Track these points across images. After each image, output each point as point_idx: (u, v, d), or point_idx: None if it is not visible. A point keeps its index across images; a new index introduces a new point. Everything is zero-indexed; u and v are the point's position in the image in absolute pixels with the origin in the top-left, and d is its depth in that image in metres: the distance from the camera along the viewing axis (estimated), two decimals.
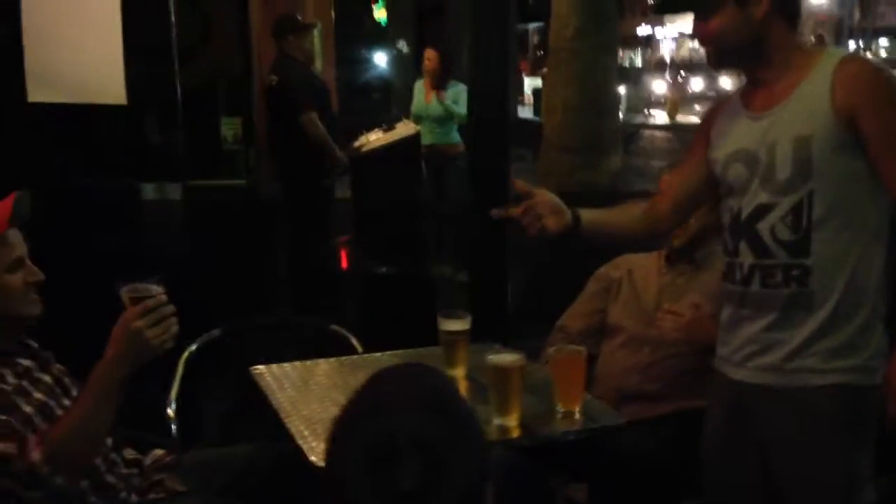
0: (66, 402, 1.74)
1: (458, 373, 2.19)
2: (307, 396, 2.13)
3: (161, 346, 1.61)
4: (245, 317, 2.78)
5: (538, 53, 22.16)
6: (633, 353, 2.40)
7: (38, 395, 1.68)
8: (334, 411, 1.05)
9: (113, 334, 1.60)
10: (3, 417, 1.56)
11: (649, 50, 25.62)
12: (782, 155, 1.73)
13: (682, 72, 21.71)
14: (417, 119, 5.55)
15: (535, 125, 10.00)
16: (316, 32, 5.78)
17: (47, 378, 1.74)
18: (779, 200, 1.74)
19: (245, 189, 4.73)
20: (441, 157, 5.58)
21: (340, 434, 1.02)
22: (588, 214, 1.96)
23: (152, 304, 1.60)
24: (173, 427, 2.28)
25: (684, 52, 23.00)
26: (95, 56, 2.91)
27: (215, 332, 2.56)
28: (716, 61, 1.85)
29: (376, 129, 4.90)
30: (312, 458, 1.79)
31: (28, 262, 1.71)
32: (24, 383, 1.68)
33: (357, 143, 4.82)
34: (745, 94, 1.87)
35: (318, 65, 6.01)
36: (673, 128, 16.13)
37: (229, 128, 5.21)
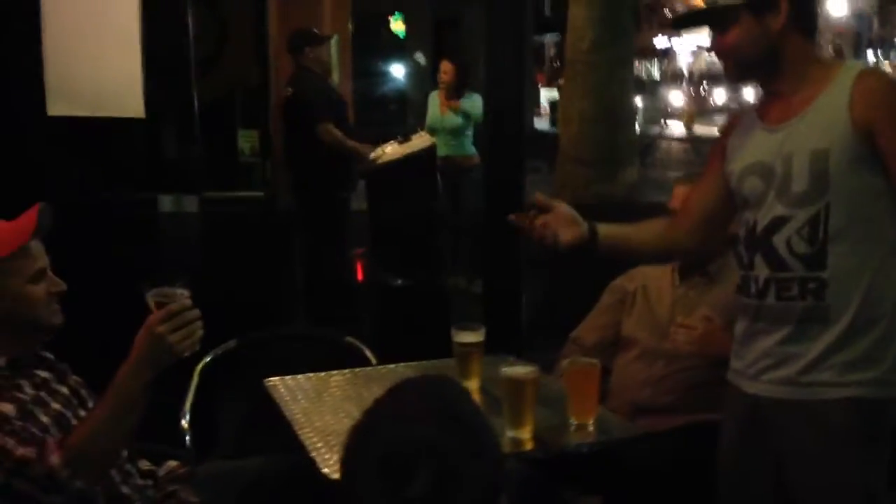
0: (83, 413, 1.75)
1: (472, 385, 2.19)
2: (321, 408, 2.14)
3: (183, 350, 1.60)
4: (260, 328, 2.79)
5: (555, 65, 22.19)
6: (647, 366, 2.39)
7: (55, 406, 1.69)
8: (348, 423, 1.06)
9: (137, 337, 1.59)
10: (22, 423, 1.58)
11: (666, 61, 25.59)
12: (798, 167, 1.72)
13: (705, 83, 21.69)
14: (433, 131, 5.57)
15: (551, 137, 10.01)
16: (333, 45, 5.82)
17: (64, 389, 1.75)
18: (794, 213, 1.73)
19: (262, 201, 4.75)
20: (456, 169, 5.59)
21: (357, 442, 1.03)
22: (605, 229, 1.95)
23: (176, 308, 1.59)
24: (187, 438, 2.29)
25: (702, 64, 22.96)
26: (114, 70, 2.94)
27: (231, 344, 2.57)
28: (734, 74, 1.85)
29: (392, 141, 4.92)
30: (325, 470, 1.79)
31: (50, 272, 1.73)
32: (42, 394, 1.69)
33: (373, 155, 4.84)
34: (762, 107, 1.86)
35: (335, 77, 6.05)
36: (690, 139, 16.10)
37: (246, 140, 5.25)
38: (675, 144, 16.04)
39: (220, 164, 4.86)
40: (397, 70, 13.14)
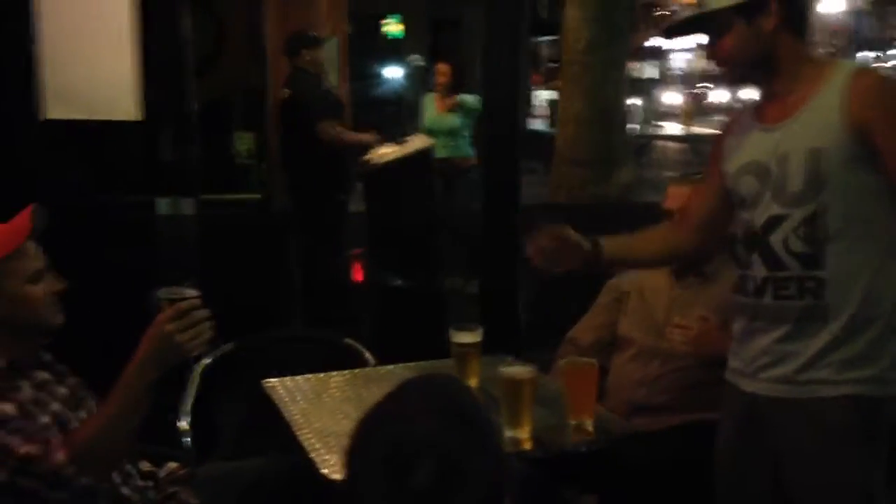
0: (82, 413, 1.76)
1: (470, 385, 2.19)
2: (320, 409, 2.14)
3: (191, 350, 1.60)
4: (258, 330, 2.79)
5: (551, 66, 22.19)
6: (643, 365, 2.39)
7: (55, 407, 1.70)
8: (347, 424, 1.07)
9: (145, 336, 1.60)
10: (24, 422, 1.58)
11: (663, 61, 25.60)
12: (794, 167, 1.73)
13: (707, 84, 21.69)
14: (430, 133, 5.57)
15: (547, 137, 10.01)
16: (331, 46, 5.81)
17: (63, 390, 1.76)
18: (791, 212, 1.73)
19: (258, 203, 4.75)
20: (454, 170, 5.59)
21: (361, 438, 1.04)
22: (609, 244, 1.97)
23: (185, 306, 1.59)
24: (187, 440, 2.29)
25: (699, 64, 22.97)
26: (110, 72, 2.94)
27: (229, 346, 2.57)
28: (729, 77, 1.87)
29: (390, 143, 4.92)
30: (324, 471, 1.79)
31: (48, 272, 1.73)
32: (42, 395, 1.70)
33: (368, 157, 4.84)
34: (758, 107, 1.87)
35: (333, 79, 6.05)
36: (686, 139, 16.10)
37: (243, 142, 5.25)
38: (671, 144, 16.04)
39: (216, 166, 4.86)
40: (395, 72, 13.15)
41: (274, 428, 2.14)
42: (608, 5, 6.82)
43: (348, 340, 2.71)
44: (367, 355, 2.64)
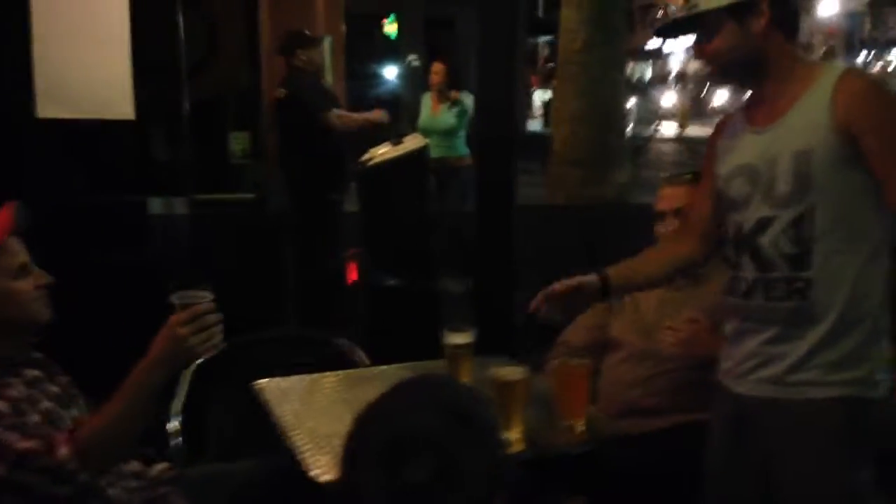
0: (73, 411, 1.76)
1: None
2: (312, 410, 2.14)
3: (202, 353, 1.63)
4: (252, 331, 2.78)
5: (548, 66, 22.23)
6: (634, 367, 2.39)
7: (46, 404, 1.70)
8: (338, 425, 1.08)
9: (157, 336, 1.61)
10: (19, 419, 1.58)
11: (659, 62, 25.65)
12: (782, 169, 1.73)
13: (706, 85, 21.74)
14: (425, 133, 5.57)
15: (543, 138, 10.02)
16: (326, 46, 5.81)
17: (54, 388, 1.76)
18: (779, 214, 1.74)
19: (253, 203, 4.75)
20: (448, 171, 5.59)
21: (359, 431, 1.05)
22: (616, 275, 1.98)
23: (200, 309, 1.61)
24: (178, 441, 2.29)
25: (695, 65, 23.01)
26: (104, 72, 2.93)
27: (222, 346, 2.56)
28: (719, 78, 1.87)
29: (385, 143, 4.92)
30: (315, 473, 1.79)
31: (33, 267, 1.73)
32: (34, 392, 1.70)
33: (365, 157, 4.84)
34: (749, 109, 1.87)
35: (329, 79, 6.05)
36: (683, 140, 16.13)
37: (238, 142, 5.24)
38: (667, 145, 16.07)
39: (211, 165, 4.85)
40: (390, 71, 13.15)
41: (265, 429, 2.13)
42: (604, 6, 6.82)
43: (341, 340, 2.71)
44: (361, 355, 2.64)
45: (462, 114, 5.59)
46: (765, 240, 1.76)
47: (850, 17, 20.27)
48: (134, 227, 3.18)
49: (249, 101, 5.10)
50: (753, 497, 1.85)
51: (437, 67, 5.79)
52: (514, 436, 1.91)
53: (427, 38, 13.80)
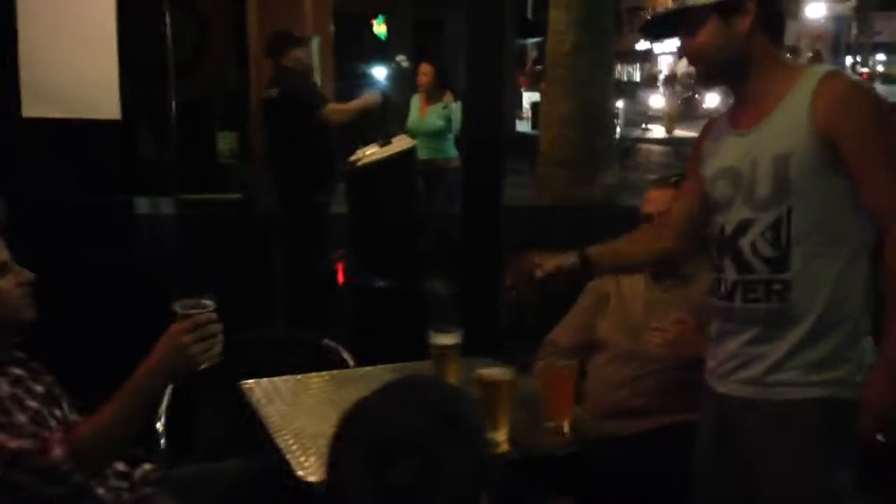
0: (57, 411, 1.75)
1: None
2: (298, 411, 2.14)
3: (202, 362, 1.63)
4: (240, 331, 2.77)
5: (536, 68, 22.26)
6: (620, 367, 2.40)
7: (31, 404, 1.69)
8: (324, 426, 1.08)
9: (158, 344, 1.62)
10: (8, 419, 1.58)
11: (647, 64, 25.73)
12: (763, 172, 1.74)
13: (696, 87, 21.82)
14: (412, 134, 5.57)
15: (532, 139, 10.04)
16: (315, 46, 5.80)
17: (40, 388, 1.75)
18: (759, 216, 1.75)
19: (240, 203, 4.73)
20: (435, 172, 5.60)
21: (345, 430, 1.05)
22: (597, 253, 2.00)
23: (202, 319, 1.62)
24: (163, 441, 2.28)
25: (683, 67, 23.09)
26: (90, 71, 2.91)
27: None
28: (703, 78, 1.88)
29: (373, 144, 4.92)
30: (300, 474, 1.79)
31: (13, 265, 1.72)
32: (18, 392, 1.69)
33: (354, 158, 4.83)
34: (733, 112, 1.89)
35: (318, 79, 6.04)
36: (671, 142, 16.19)
37: (225, 142, 5.23)
38: (655, 147, 16.12)
39: (198, 165, 4.83)
40: (379, 72, 13.13)
41: (252, 429, 2.13)
42: (593, 8, 6.84)
43: (327, 341, 2.71)
44: (346, 356, 2.64)
45: (451, 116, 5.59)
46: (745, 242, 1.77)
47: (837, 20, 20.39)
48: (120, 227, 3.16)
49: (237, 101, 5.09)
50: (739, 497, 1.86)
51: (425, 68, 5.80)
52: (500, 437, 1.91)
53: (416, 39, 13.80)
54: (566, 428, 1.99)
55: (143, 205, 3.37)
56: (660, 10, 1.88)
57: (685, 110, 20.27)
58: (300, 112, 4.83)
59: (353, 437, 1.04)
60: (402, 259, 4.61)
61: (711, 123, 1.99)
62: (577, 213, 5.97)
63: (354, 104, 5.03)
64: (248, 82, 5.23)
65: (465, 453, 1.02)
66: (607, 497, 2.17)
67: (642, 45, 24.70)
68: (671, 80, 24.10)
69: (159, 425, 2.29)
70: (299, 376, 2.38)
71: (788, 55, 1.95)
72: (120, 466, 1.88)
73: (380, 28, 13.98)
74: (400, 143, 4.89)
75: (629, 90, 22.52)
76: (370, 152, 4.82)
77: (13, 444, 1.52)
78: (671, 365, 2.28)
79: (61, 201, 2.98)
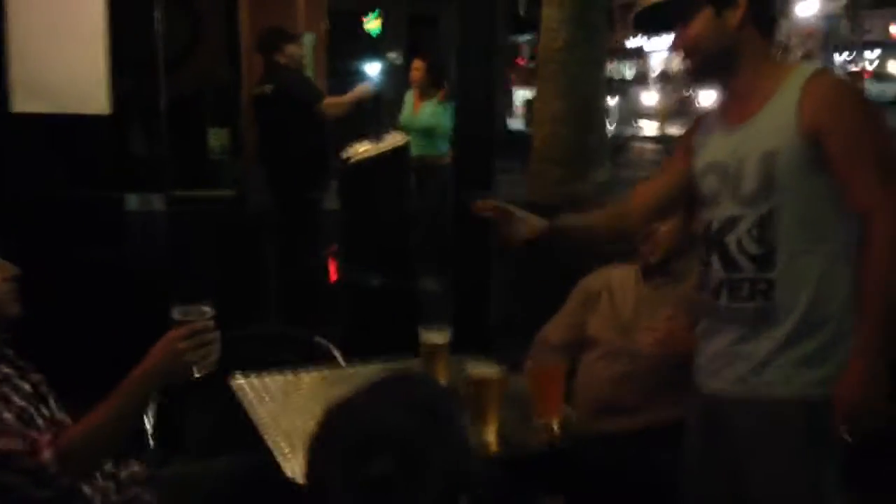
0: (45, 409, 1.74)
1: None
2: (287, 409, 2.13)
3: (197, 370, 1.62)
4: (230, 328, 2.76)
5: (529, 65, 22.24)
6: (610, 365, 2.40)
7: (18, 402, 1.68)
8: (314, 424, 1.07)
9: (154, 349, 1.61)
10: None
11: (640, 61, 25.72)
12: (750, 169, 1.75)
13: (690, 84, 21.81)
14: (405, 130, 5.56)
15: (525, 137, 10.03)
16: (308, 43, 5.77)
17: (27, 386, 1.74)
18: (745, 213, 1.76)
19: (232, 200, 4.71)
20: (428, 169, 5.59)
21: (325, 427, 1.05)
22: (563, 219, 2.04)
23: (200, 326, 1.61)
24: (151, 440, 2.27)
25: (676, 64, 23.09)
26: (80, 66, 2.89)
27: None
28: (693, 72, 1.88)
29: (366, 140, 4.91)
30: (289, 472, 1.78)
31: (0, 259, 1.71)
32: (5, 390, 1.68)
33: (346, 154, 4.82)
34: (723, 107, 1.89)
35: (310, 75, 6.01)
36: (663, 139, 16.20)
37: (217, 138, 5.21)
38: (647, 145, 16.14)
39: (189, 162, 4.81)
40: (372, 69, 13.10)
41: (241, 428, 2.12)
42: (585, 5, 6.82)
43: (318, 339, 2.70)
44: (337, 353, 2.63)
45: (441, 114, 5.58)
46: (731, 239, 1.78)
47: (828, 19, 20.42)
48: (110, 224, 3.14)
49: (229, 97, 5.07)
50: (726, 495, 1.87)
51: (418, 64, 5.79)
52: (489, 435, 1.91)
53: (410, 35, 13.77)
54: (556, 426, 1.99)
55: (133, 201, 3.35)
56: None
57: (680, 108, 20.27)
58: (295, 108, 4.82)
59: (333, 433, 1.04)
60: (394, 256, 4.60)
61: (702, 118, 2.00)
62: (569, 209, 5.96)
63: (349, 96, 5.07)
64: (240, 78, 5.21)
65: (447, 450, 1.02)
66: (597, 495, 2.17)
67: (634, 42, 24.70)
68: (664, 77, 24.12)
69: (148, 424, 2.28)
70: (289, 374, 2.37)
71: (781, 52, 1.96)
72: (108, 466, 1.87)
73: (373, 24, 13.94)
74: (393, 139, 4.89)
75: (621, 88, 22.52)
76: (363, 149, 4.81)
77: (2, 444, 1.51)
78: (662, 363, 2.28)
79: (50, 197, 2.96)
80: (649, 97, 21.97)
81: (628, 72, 25.52)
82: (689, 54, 1.83)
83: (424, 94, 5.73)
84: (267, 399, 2.20)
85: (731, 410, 1.82)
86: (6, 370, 1.72)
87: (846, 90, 1.76)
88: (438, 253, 5.45)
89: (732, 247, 1.77)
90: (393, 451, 0.98)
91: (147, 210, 3.32)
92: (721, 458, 1.86)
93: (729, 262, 1.78)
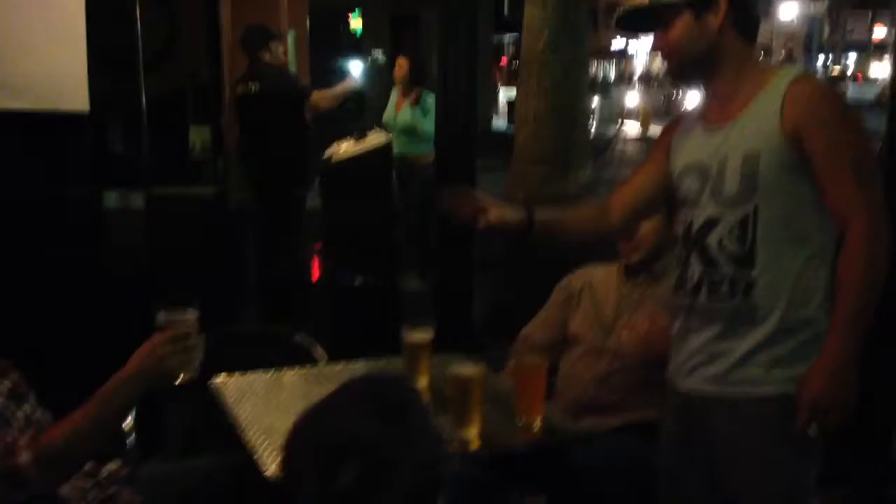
0: (23, 408, 1.72)
1: (421, 384, 2.19)
2: (270, 408, 2.12)
3: (179, 376, 1.62)
4: (212, 327, 2.75)
5: (513, 64, 22.29)
6: (591, 364, 2.40)
7: None
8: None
9: (136, 353, 1.60)
10: None
11: (623, 62, 25.84)
12: (731, 170, 1.76)
13: (673, 88, 21.94)
14: (388, 129, 5.55)
15: (508, 136, 10.05)
16: (290, 41, 5.76)
17: (6, 384, 1.72)
18: (726, 213, 1.77)
19: (213, 198, 4.69)
20: (410, 168, 5.58)
21: (296, 432, 1.06)
22: (542, 215, 2.01)
23: (182, 332, 1.61)
24: (131, 439, 2.25)
25: (658, 65, 23.22)
26: (58, 62, 2.86)
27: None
28: (674, 73, 1.88)
29: (348, 138, 4.89)
30: (270, 471, 1.77)
31: None
32: None
33: (328, 153, 4.81)
34: (704, 108, 1.90)
35: (294, 73, 6.00)
36: (646, 139, 16.27)
37: (198, 136, 5.18)
38: (630, 145, 16.20)
39: (170, 159, 4.78)
40: (355, 67, 13.07)
41: (222, 426, 2.11)
42: (568, 5, 6.84)
43: (300, 337, 2.69)
44: (319, 352, 2.62)
45: (425, 112, 5.57)
46: (711, 238, 1.79)
47: (809, 20, 20.60)
48: (89, 221, 3.11)
49: (210, 94, 5.04)
50: (703, 492, 1.87)
51: (401, 62, 5.78)
52: (470, 434, 1.91)
53: (393, 34, 13.75)
54: (537, 425, 1.99)
55: (112, 198, 3.32)
56: (635, 1, 1.87)
57: (664, 108, 20.37)
58: (281, 106, 4.83)
59: (299, 444, 1.04)
60: (377, 255, 4.60)
61: (680, 118, 2.01)
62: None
63: (337, 89, 5.14)
64: (221, 75, 5.18)
65: (414, 452, 1.02)
66: (579, 494, 2.17)
67: (618, 43, 24.81)
68: (647, 78, 24.24)
69: (128, 422, 2.26)
70: (270, 373, 2.36)
71: (762, 53, 1.97)
72: (87, 464, 1.85)
73: (356, 23, 13.91)
74: (375, 137, 4.87)
75: (604, 88, 22.61)
76: (345, 147, 4.79)
77: None
78: (642, 361, 2.29)
79: (27, 194, 2.93)
80: (632, 97, 22.07)
81: (611, 72, 25.63)
82: (668, 57, 1.84)
83: (407, 93, 5.72)
84: (250, 397, 2.18)
85: (707, 408, 1.83)
86: None
87: (828, 94, 1.78)
88: (421, 252, 5.45)
89: (713, 246, 1.78)
90: (359, 457, 0.98)
91: (126, 208, 3.30)
92: (698, 455, 1.86)
93: (709, 261, 1.79)
